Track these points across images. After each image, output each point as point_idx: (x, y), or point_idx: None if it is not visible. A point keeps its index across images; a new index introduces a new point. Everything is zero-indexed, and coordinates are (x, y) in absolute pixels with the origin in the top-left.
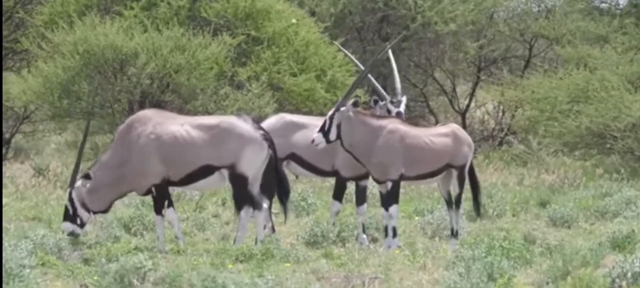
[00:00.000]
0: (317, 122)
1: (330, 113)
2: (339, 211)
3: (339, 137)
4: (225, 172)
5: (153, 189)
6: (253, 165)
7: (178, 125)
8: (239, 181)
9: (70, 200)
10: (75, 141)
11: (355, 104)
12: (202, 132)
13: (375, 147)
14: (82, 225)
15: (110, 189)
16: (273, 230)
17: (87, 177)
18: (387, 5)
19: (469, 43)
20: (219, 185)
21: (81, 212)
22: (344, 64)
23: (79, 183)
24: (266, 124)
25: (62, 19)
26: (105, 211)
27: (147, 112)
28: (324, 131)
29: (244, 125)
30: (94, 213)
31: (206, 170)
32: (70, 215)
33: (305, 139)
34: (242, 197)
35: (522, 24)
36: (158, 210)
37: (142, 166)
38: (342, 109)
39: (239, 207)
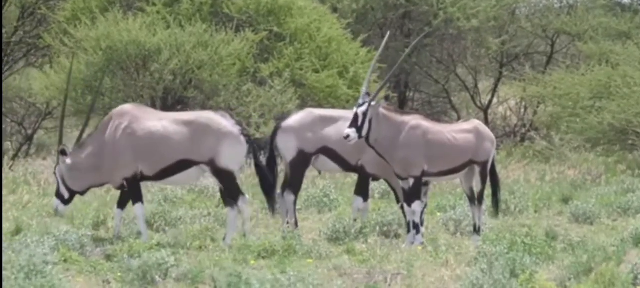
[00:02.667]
0: (345, 115)
1: (362, 108)
2: (362, 208)
3: (368, 132)
4: (205, 168)
5: (125, 183)
6: (233, 159)
7: (155, 121)
8: (224, 176)
9: (55, 175)
10: None
11: (386, 99)
12: (180, 127)
13: (397, 143)
14: (65, 202)
15: (86, 174)
16: (296, 225)
17: (63, 152)
18: (409, 1)
19: (491, 39)
20: (195, 180)
21: (62, 189)
22: (366, 60)
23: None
24: (295, 119)
25: (84, 15)
26: (82, 193)
27: (127, 107)
28: (357, 126)
29: (221, 120)
30: (73, 192)
31: (183, 165)
32: (57, 191)
33: (336, 132)
34: (232, 192)
35: (544, 20)
36: (135, 200)
37: (115, 159)
38: (373, 104)
39: (233, 199)
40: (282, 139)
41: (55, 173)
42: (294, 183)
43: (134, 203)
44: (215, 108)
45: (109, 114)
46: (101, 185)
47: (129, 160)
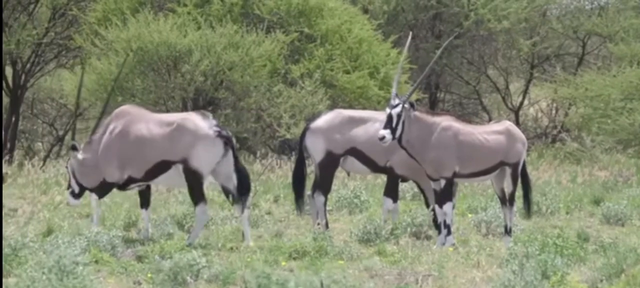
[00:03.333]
0: (374, 116)
1: (396, 110)
2: (392, 209)
3: (400, 133)
4: (179, 166)
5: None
6: (206, 161)
7: (143, 123)
8: (191, 176)
9: (66, 169)
10: None
11: (411, 105)
12: (161, 129)
13: (429, 144)
14: (76, 196)
15: (93, 171)
16: (327, 227)
17: (74, 148)
18: (440, 2)
19: (522, 40)
20: (180, 180)
21: (73, 183)
22: (397, 61)
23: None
24: (323, 120)
25: (115, 16)
26: (92, 190)
27: (126, 108)
28: (392, 127)
29: (199, 121)
30: (82, 188)
31: (163, 166)
32: (68, 185)
33: (365, 133)
34: (196, 193)
35: (575, 22)
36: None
37: (108, 160)
38: (406, 105)
39: (194, 203)
40: (311, 140)
41: (66, 167)
42: (323, 185)
43: (98, 198)
44: (197, 108)
45: (111, 114)
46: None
47: (119, 163)
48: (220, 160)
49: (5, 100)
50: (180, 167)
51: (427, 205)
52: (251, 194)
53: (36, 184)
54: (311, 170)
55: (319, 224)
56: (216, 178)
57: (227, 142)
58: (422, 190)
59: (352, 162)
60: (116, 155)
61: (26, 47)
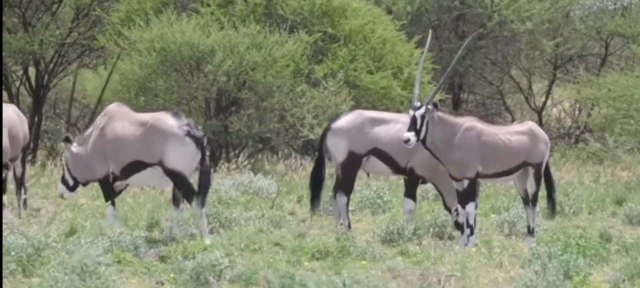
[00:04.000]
0: (395, 117)
1: (420, 111)
2: (412, 209)
3: (425, 134)
4: (159, 169)
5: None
6: (179, 160)
7: (123, 122)
8: (174, 177)
9: (61, 161)
10: None
11: (435, 106)
12: (136, 129)
13: (452, 144)
14: (71, 188)
15: (86, 165)
16: (349, 227)
17: (67, 140)
18: (464, 3)
19: (545, 41)
20: (156, 180)
21: (67, 175)
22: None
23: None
24: (345, 120)
25: (138, 16)
26: (83, 184)
27: (112, 107)
28: (416, 129)
29: (170, 121)
30: (76, 181)
31: (138, 166)
32: (63, 177)
33: (387, 134)
34: (185, 191)
35: (598, 22)
36: (106, 199)
37: (92, 157)
38: (430, 106)
39: (188, 201)
40: (333, 140)
41: (61, 159)
42: (345, 185)
43: (105, 201)
44: (169, 108)
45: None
46: (95, 181)
47: (101, 160)
48: (196, 157)
49: (28, 100)
50: (159, 169)
51: (446, 207)
52: (208, 195)
53: (59, 184)
54: (331, 171)
55: (341, 225)
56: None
57: (197, 141)
58: (440, 192)
59: (374, 162)
60: (100, 152)
61: (49, 47)
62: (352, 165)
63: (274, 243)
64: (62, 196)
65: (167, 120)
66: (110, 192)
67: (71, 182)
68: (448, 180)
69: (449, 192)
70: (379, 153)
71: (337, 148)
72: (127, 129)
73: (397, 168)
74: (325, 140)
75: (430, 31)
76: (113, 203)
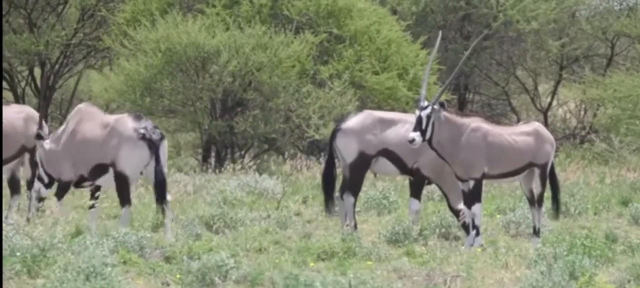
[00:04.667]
0: (404, 118)
1: (426, 111)
2: (419, 210)
3: (431, 135)
4: (111, 169)
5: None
6: (130, 164)
7: (88, 123)
8: (119, 179)
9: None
10: None
11: (441, 105)
12: (98, 130)
13: (459, 145)
14: (46, 185)
15: (58, 162)
16: (355, 228)
17: (38, 137)
18: (469, 3)
19: (551, 41)
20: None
21: (42, 172)
22: (426, 62)
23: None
24: (355, 121)
25: (144, 17)
26: (57, 182)
27: (81, 106)
28: (421, 129)
29: (128, 124)
30: (51, 178)
31: (101, 167)
32: (38, 174)
33: (396, 135)
34: (122, 195)
35: (604, 22)
36: (59, 196)
37: (62, 157)
38: (436, 107)
39: (121, 204)
40: (343, 141)
41: (34, 157)
42: (353, 186)
43: (57, 199)
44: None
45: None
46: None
47: (70, 160)
48: (149, 161)
49: (34, 101)
50: (111, 169)
51: (451, 208)
52: (169, 199)
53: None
54: (340, 171)
55: (347, 225)
56: (147, 177)
57: (150, 144)
58: (444, 193)
59: (382, 163)
60: (68, 152)
61: (55, 48)
62: (361, 165)
63: (280, 244)
64: (38, 193)
65: (125, 122)
66: (64, 192)
67: (46, 179)
68: (454, 181)
69: (454, 193)
70: (388, 153)
71: (347, 149)
72: (94, 130)
73: (404, 169)
74: (335, 140)
75: (439, 32)
76: (61, 200)
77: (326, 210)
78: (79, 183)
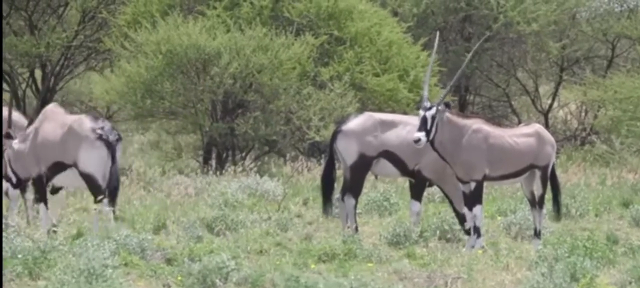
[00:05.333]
0: (405, 119)
1: (431, 112)
2: (420, 212)
3: (433, 135)
4: (75, 170)
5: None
6: (90, 163)
7: (51, 123)
8: (86, 178)
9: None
10: (157, 141)
11: (446, 105)
12: (59, 130)
13: (460, 146)
14: (15, 185)
15: (25, 163)
16: (356, 230)
17: (8, 136)
18: (470, 5)
19: (552, 43)
20: (75, 181)
21: (10, 172)
22: (426, 64)
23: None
24: (356, 122)
25: (145, 19)
26: (26, 181)
27: (49, 107)
28: (426, 130)
29: (86, 124)
30: (18, 178)
31: (59, 167)
32: (6, 174)
33: (397, 136)
34: (95, 193)
35: (604, 24)
36: (39, 200)
37: (28, 157)
38: (440, 107)
39: (95, 201)
40: (343, 143)
41: (3, 156)
42: (354, 188)
43: (38, 201)
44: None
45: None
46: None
47: (34, 159)
48: (108, 160)
49: (35, 102)
50: (75, 170)
51: (454, 210)
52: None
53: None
54: (339, 173)
55: (348, 227)
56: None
57: (108, 145)
58: (446, 195)
59: (383, 164)
60: (33, 152)
61: (56, 50)
62: (362, 167)
63: (281, 246)
64: (7, 194)
65: (84, 123)
66: (43, 191)
67: (14, 179)
68: (455, 182)
69: (456, 195)
70: (389, 155)
71: (348, 151)
72: (55, 130)
73: (405, 171)
74: (335, 142)
75: (437, 33)
76: (45, 203)
77: (324, 211)
78: (46, 182)
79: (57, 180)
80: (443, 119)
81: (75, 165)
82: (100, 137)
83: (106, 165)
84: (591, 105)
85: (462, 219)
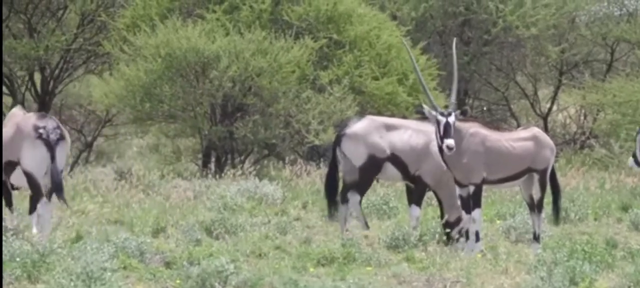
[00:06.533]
0: (405, 123)
1: (452, 118)
2: (419, 216)
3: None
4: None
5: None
6: (29, 161)
7: (10, 122)
8: (27, 177)
9: None
10: (157, 144)
11: (444, 107)
12: (12, 130)
13: (459, 150)
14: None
15: None
16: (367, 226)
17: None
18: (469, 9)
19: (551, 47)
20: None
21: None
22: (426, 67)
23: None
24: (360, 126)
25: (144, 22)
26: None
27: (13, 110)
28: (451, 135)
29: (30, 123)
30: None
31: (12, 166)
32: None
33: (400, 140)
34: (34, 194)
35: (603, 28)
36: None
37: None
38: (457, 113)
39: (35, 201)
40: (350, 146)
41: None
42: (361, 186)
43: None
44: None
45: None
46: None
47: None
48: (48, 159)
49: (34, 106)
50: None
51: (442, 217)
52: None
53: (64, 190)
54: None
55: (347, 231)
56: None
57: (48, 144)
58: (439, 201)
59: (386, 168)
60: None
61: (55, 53)
62: (372, 168)
63: (280, 250)
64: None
65: (29, 121)
66: (6, 192)
67: None
68: (451, 189)
69: (449, 203)
70: (394, 158)
71: (356, 153)
72: (8, 130)
73: (407, 175)
74: (340, 146)
75: (454, 39)
76: (10, 205)
77: (329, 215)
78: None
79: (14, 179)
80: None
81: (19, 163)
82: (40, 136)
83: (47, 164)
84: (590, 109)
85: (446, 225)
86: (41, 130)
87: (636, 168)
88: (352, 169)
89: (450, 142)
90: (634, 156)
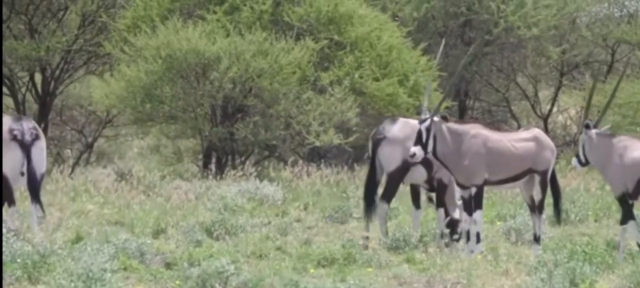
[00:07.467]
0: None
1: (425, 124)
2: (419, 217)
3: (433, 148)
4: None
5: None
6: (6, 164)
7: None
8: (4, 180)
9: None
10: (157, 145)
11: (444, 118)
12: None
13: (460, 153)
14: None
15: None
16: (386, 234)
17: None
18: (470, 9)
19: (552, 48)
20: (22, 182)
21: None
22: (426, 68)
23: None
24: (396, 129)
25: (144, 23)
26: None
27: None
28: (422, 143)
29: (6, 124)
30: None
31: None
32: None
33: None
34: (6, 196)
35: (604, 29)
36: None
37: None
38: (436, 119)
39: (8, 205)
40: (387, 150)
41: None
42: (389, 193)
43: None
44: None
45: None
46: None
47: None
48: (24, 162)
49: (35, 107)
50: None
51: (447, 215)
52: (41, 195)
53: (65, 191)
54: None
55: (367, 237)
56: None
57: (22, 146)
58: (439, 201)
59: (414, 170)
60: None
61: (55, 54)
62: (401, 173)
63: (280, 251)
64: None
65: (5, 124)
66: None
67: None
68: (451, 191)
69: (450, 204)
70: (425, 161)
71: (391, 157)
72: None
73: (431, 178)
74: (378, 148)
75: (443, 40)
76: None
77: (367, 217)
78: None
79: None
80: (442, 130)
81: None
82: (14, 138)
83: (22, 166)
84: (591, 111)
85: (453, 224)
86: (16, 132)
87: (579, 167)
88: (383, 173)
89: (412, 150)
90: (577, 156)
